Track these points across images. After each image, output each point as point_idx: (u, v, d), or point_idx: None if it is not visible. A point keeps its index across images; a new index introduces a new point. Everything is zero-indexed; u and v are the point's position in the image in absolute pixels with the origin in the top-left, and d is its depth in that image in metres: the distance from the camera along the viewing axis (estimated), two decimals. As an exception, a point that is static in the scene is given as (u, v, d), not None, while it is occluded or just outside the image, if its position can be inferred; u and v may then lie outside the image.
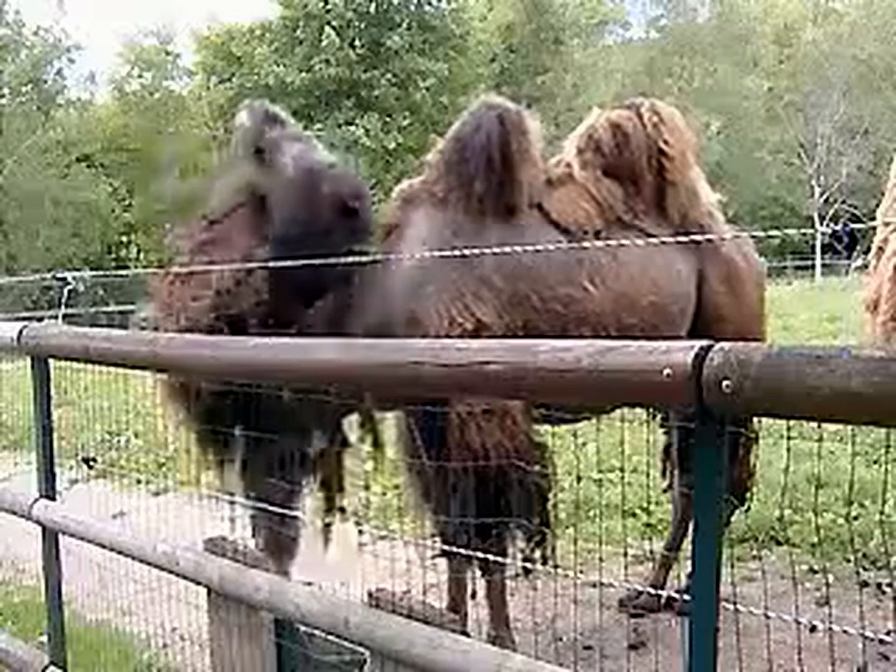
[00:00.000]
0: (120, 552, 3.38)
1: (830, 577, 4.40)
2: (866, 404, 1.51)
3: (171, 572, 3.11)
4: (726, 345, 1.67)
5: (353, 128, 35.94)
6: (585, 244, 3.91)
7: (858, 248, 4.08)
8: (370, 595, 2.41)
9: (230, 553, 2.90)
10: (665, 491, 4.72)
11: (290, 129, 3.92)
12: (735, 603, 2.03)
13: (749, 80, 46.26)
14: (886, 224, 3.52)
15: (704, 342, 1.69)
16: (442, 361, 2.02)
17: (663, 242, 3.86)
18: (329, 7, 38.50)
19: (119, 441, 7.57)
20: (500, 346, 1.98)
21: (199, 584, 3.00)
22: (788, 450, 1.92)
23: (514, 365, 1.92)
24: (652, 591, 4.17)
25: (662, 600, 4.30)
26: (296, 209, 3.76)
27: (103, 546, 3.46)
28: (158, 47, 44.26)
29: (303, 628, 2.79)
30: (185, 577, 3.07)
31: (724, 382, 1.61)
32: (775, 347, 1.70)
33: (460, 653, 2.08)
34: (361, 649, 2.50)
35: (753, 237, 5.30)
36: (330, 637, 2.65)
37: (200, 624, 3.21)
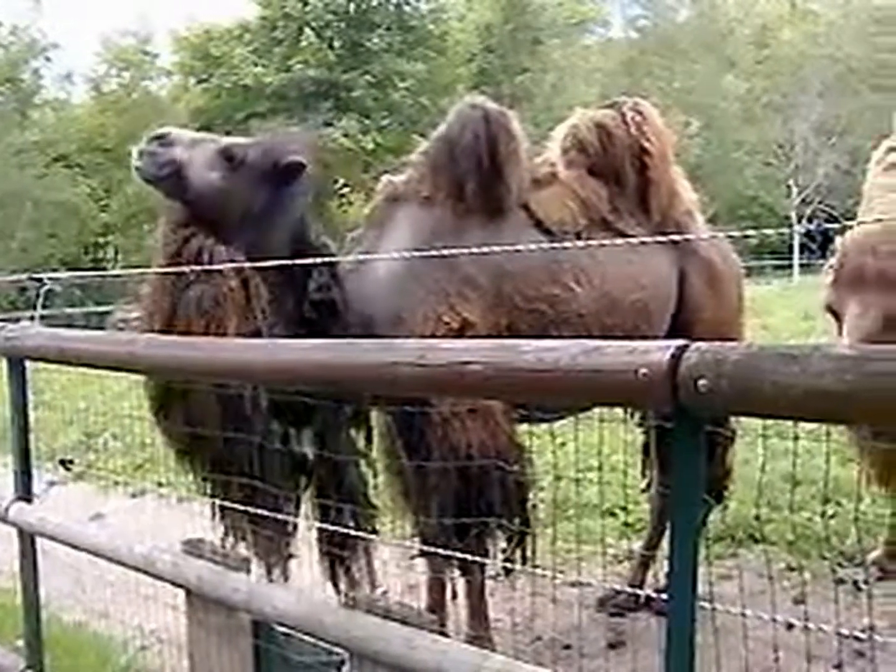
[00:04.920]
0: (97, 554, 3.36)
1: (807, 575, 4.43)
2: (839, 403, 1.53)
3: (148, 574, 3.10)
4: (702, 345, 1.68)
5: (331, 128, 35.87)
6: (570, 244, 3.92)
7: (831, 247, 4.12)
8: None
9: (208, 554, 2.89)
10: (644, 490, 4.73)
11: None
12: (711, 601, 2.04)
13: (728, 81, 46.46)
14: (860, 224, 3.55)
15: (681, 342, 1.70)
16: (422, 362, 2.03)
17: (643, 243, 3.87)
18: (308, 8, 38.43)
19: (97, 443, 7.54)
20: (481, 346, 1.99)
21: (177, 585, 2.99)
22: (765, 448, 1.93)
23: (494, 365, 1.92)
24: (630, 590, 4.18)
25: (641, 599, 4.31)
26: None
27: (81, 548, 3.45)
28: (136, 47, 44.01)
29: (281, 629, 2.78)
30: (162, 579, 3.06)
31: (700, 382, 1.62)
32: (750, 347, 1.71)
33: (438, 653, 2.08)
34: (339, 650, 2.50)
35: (730, 237, 5.32)
36: (308, 638, 2.65)
37: (179, 626, 3.20)
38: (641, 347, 1.73)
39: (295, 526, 3.73)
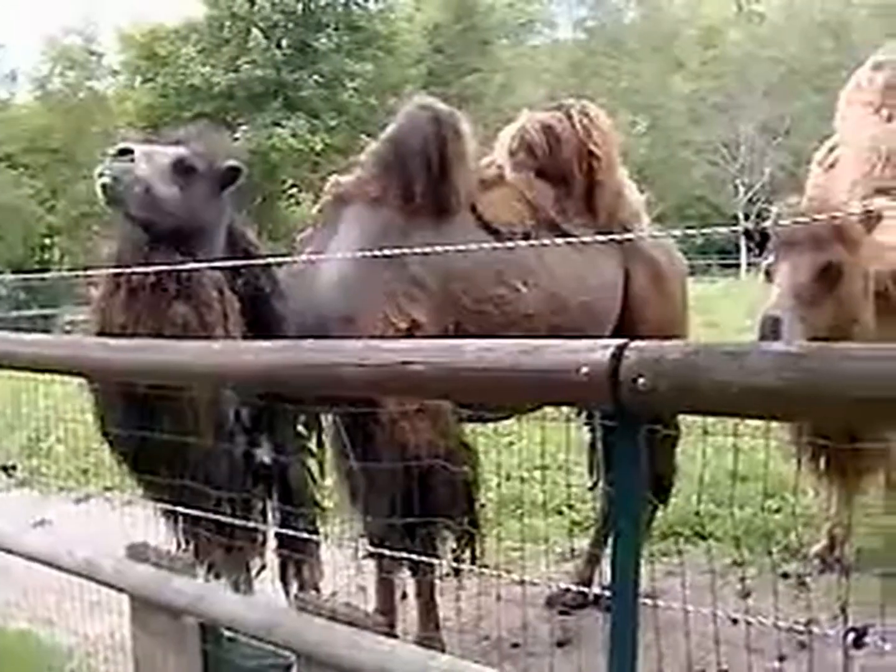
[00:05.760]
0: (41, 561, 3.31)
1: (753, 570, 4.49)
2: (777, 399, 1.55)
3: (92, 580, 3.07)
4: (641, 343, 1.70)
5: (279, 128, 35.67)
6: (517, 244, 3.94)
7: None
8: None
9: (153, 558, 2.86)
10: (590, 489, 4.77)
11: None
12: (654, 598, 2.06)
13: (674, 81, 46.93)
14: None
15: (621, 341, 1.72)
16: (365, 363, 2.03)
17: (584, 242, 3.90)
18: (255, 8, 38.18)
19: (41, 447, 7.42)
20: (423, 346, 2.00)
21: (120, 591, 2.96)
22: (704, 444, 1.95)
23: (437, 365, 1.93)
24: (578, 588, 4.21)
25: (589, 597, 4.34)
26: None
27: (23, 555, 3.40)
28: (82, 46, 43.46)
29: (228, 633, 2.76)
30: (107, 585, 3.03)
31: (640, 380, 1.64)
32: (689, 345, 1.73)
33: (384, 653, 2.08)
34: (287, 653, 2.49)
35: (673, 236, 5.38)
36: (256, 642, 2.63)
37: (125, 631, 3.16)
38: (582, 346, 1.75)
39: (263, 534, 3.70)
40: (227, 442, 3.54)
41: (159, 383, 3.12)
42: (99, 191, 3.43)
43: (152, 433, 3.32)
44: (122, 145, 3.46)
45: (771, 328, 3.54)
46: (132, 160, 3.43)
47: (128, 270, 3.41)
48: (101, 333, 3.39)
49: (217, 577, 3.60)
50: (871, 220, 3.98)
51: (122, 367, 2.92)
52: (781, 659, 3.33)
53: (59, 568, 3.20)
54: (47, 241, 39.88)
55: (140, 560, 2.89)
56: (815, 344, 1.56)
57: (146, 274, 3.39)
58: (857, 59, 5.42)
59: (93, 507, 6.07)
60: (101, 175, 3.42)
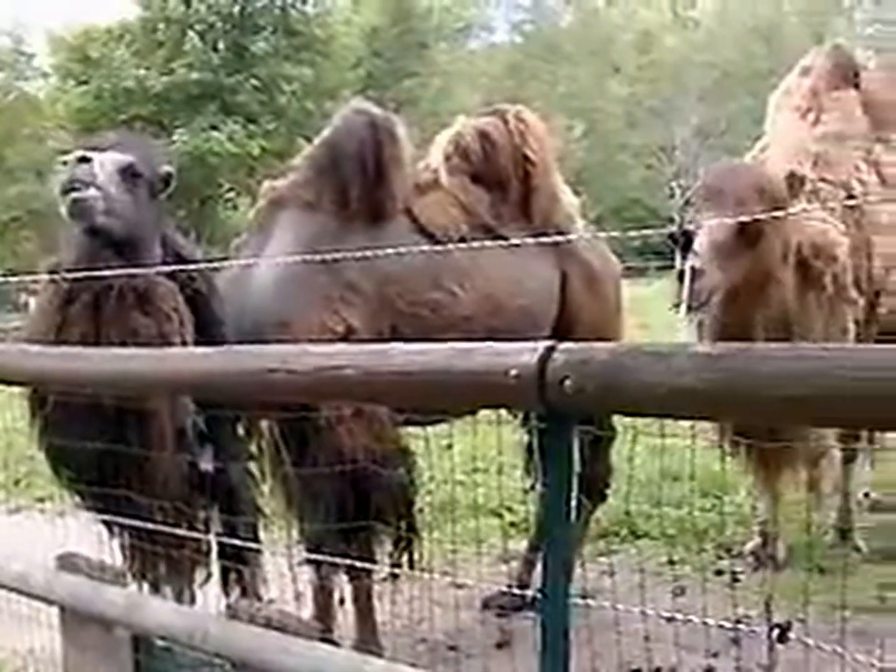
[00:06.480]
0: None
1: (687, 568, 4.54)
2: (700, 400, 1.57)
3: (22, 593, 3.01)
4: (570, 345, 1.72)
5: (216, 132, 35.31)
6: (453, 248, 3.95)
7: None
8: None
9: (84, 569, 2.81)
10: (527, 491, 4.79)
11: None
12: (586, 598, 2.07)
13: (611, 85, 47.38)
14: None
15: (549, 343, 1.73)
16: (295, 368, 2.02)
17: (517, 245, 3.92)
18: (191, 10, 37.76)
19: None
20: (350, 351, 2.00)
21: (50, 602, 2.90)
22: (634, 445, 1.98)
23: (367, 370, 1.93)
24: (516, 590, 4.23)
25: (527, 599, 4.36)
26: None
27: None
28: (11, 47, 42.66)
29: (161, 643, 2.73)
30: (37, 598, 2.97)
31: (567, 382, 1.65)
32: (617, 346, 1.75)
33: (317, 659, 2.07)
34: (221, 661, 2.47)
35: (611, 238, 5.43)
36: (190, 651, 2.60)
37: (56, 645, 3.10)
38: (511, 349, 1.76)
39: (207, 543, 3.66)
40: (178, 451, 3.50)
41: (94, 392, 3.07)
42: (67, 204, 3.34)
43: (92, 443, 3.27)
44: (80, 153, 3.38)
45: (691, 277, 3.67)
46: (92, 170, 3.37)
47: (80, 275, 3.36)
48: (48, 342, 3.33)
49: (156, 589, 3.56)
50: (795, 184, 4.12)
51: (58, 375, 2.88)
52: (714, 655, 3.38)
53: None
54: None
55: (71, 571, 2.84)
56: (734, 344, 1.58)
57: (110, 285, 3.36)
58: (788, 63, 5.53)
59: (26, 517, 5.97)
60: (69, 189, 3.33)
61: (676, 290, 3.81)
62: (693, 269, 3.69)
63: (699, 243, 3.76)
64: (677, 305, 3.88)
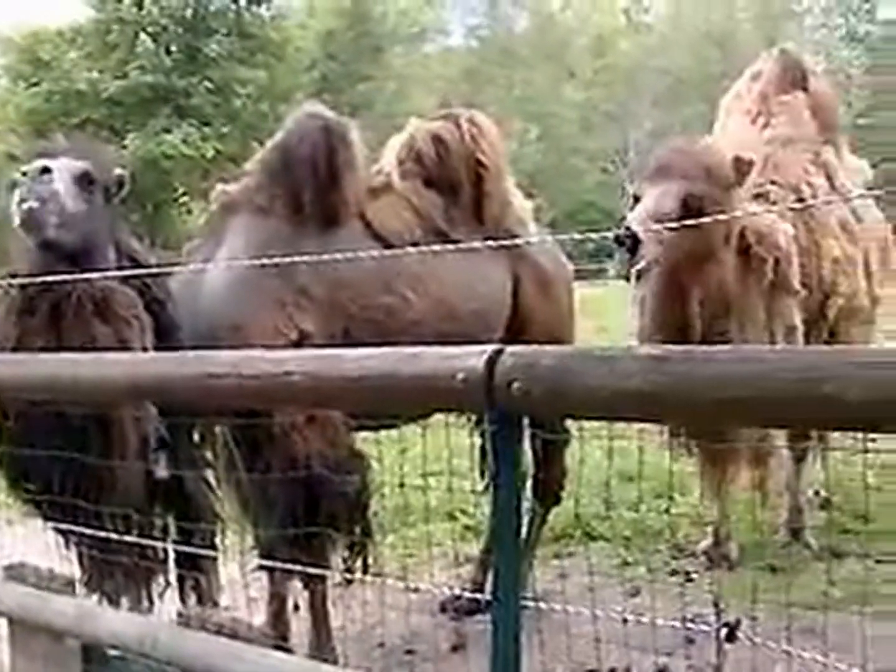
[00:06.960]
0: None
1: (642, 569, 4.58)
2: (646, 402, 1.58)
3: (-31, 603, 2.96)
4: (517, 348, 1.73)
5: (170, 136, 35.01)
6: (406, 252, 3.95)
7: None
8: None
9: (32, 579, 2.78)
10: (481, 493, 4.79)
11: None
12: (538, 601, 2.08)
13: (566, 89, 47.64)
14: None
15: (496, 346, 1.74)
16: (241, 372, 2.01)
17: (469, 249, 3.94)
18: (143, 12, 37.41)
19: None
20: (300, 356, 1.99)
21: (-1, 614, 2.86)
22: (584, 447, 1.99)
23: (315, 375, 1.92)
24: (470, 593, 4.23)
25: (482, 602, 4.36)
26: None
27: None
28: (-41, 50, 41.99)
29: (113, 652, 2.70)
30: (-17, 609, 2.93)
31: (514, 385, 1.66)
32: (564, 350, 1.76)
33: (269, 666, 2.06)
34: (171, 670, 2.44)
35: (561, 241, 5.45)
36: (142, 659, 2.58)
37: (3, 657, 3.05)
38: (459, 353, 1.77)
39: (164, 551, 3.62)
40: (139, 459, 3.47)
41: (43, 398, 3.04)
42: (19, 216, 3.28)
43: (55, 453, 3.23)
44: (41, 164, 3.33)
45: (629, 244, 3.68)
46: (52, 182, 3.31)
47: (36, 285, 3.31)
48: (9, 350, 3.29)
49: (110, 599, 3.52)
50: (742, 167, 4.15)
51: (11, 382, 2.85)
52: (669, 654, 3.41)
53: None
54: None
55: (19, 581, 2.80)
56: (679, 347, 1.59)
57: (69, 294, 3.33)
58: (741, 68, 5.60)
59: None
60: (23, 201, 3.27)
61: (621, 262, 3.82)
62: (632, 235, 3.70)
63: (639, 209, 3.79)
64: (626, 277, 3.90)
